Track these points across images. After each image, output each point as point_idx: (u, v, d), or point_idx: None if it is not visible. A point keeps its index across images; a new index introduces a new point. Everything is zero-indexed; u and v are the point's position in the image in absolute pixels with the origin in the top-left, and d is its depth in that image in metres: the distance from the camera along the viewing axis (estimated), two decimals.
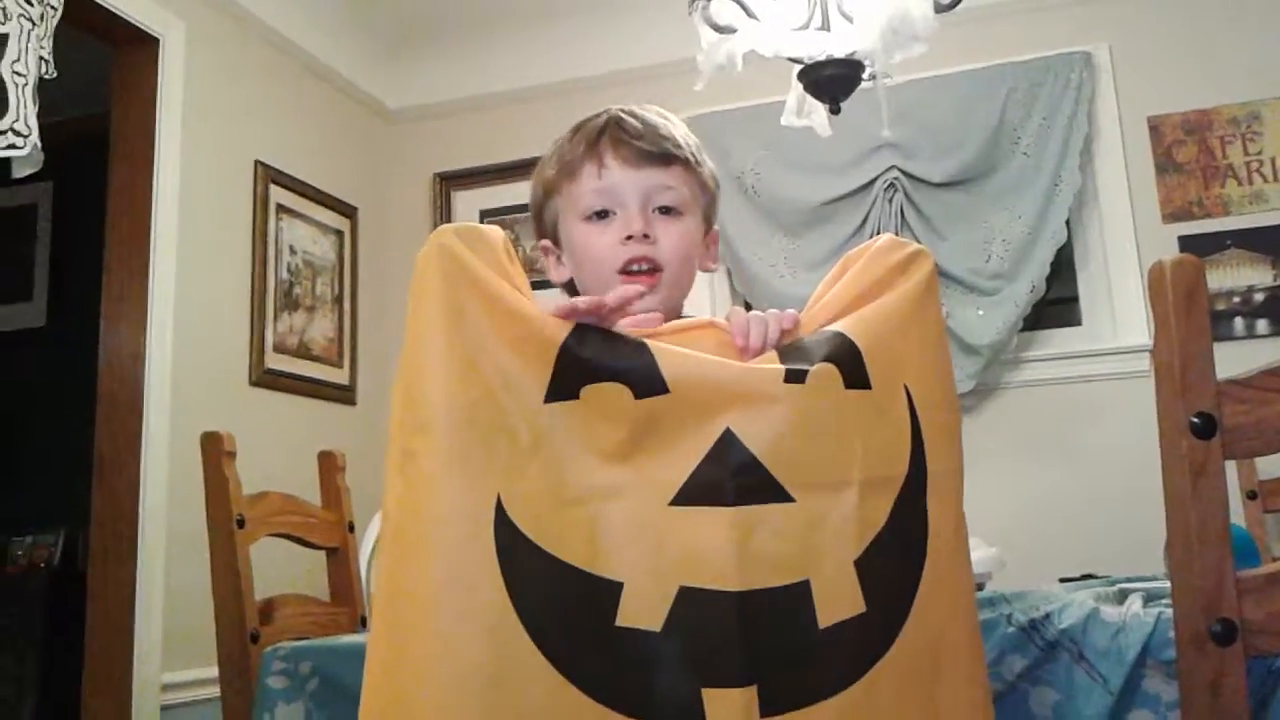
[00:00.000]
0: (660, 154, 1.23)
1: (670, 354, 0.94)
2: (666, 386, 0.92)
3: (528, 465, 0.90)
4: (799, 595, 0.90)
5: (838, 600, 0.91)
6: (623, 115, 1.26)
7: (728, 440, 0.92)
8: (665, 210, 1.24)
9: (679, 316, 1.24)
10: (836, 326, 1.00)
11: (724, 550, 0.89)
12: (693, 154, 1.27)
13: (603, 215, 1.24)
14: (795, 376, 0.94)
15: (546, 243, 1.33)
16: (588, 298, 0.96)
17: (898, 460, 0.97)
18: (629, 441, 0.91)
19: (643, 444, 0.91)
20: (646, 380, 0.92)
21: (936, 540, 0.97)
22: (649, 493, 0.91)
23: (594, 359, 0.92)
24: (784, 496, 0.92)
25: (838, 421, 0.95)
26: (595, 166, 1.24)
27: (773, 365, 0.95)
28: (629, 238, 1.21)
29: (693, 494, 0.90)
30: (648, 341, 0.94)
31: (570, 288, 1.31)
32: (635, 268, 1.22)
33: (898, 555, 0.95)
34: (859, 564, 0.92)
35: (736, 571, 0.89)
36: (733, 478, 0.91)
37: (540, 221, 1.33)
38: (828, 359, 0.96)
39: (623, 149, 1.23)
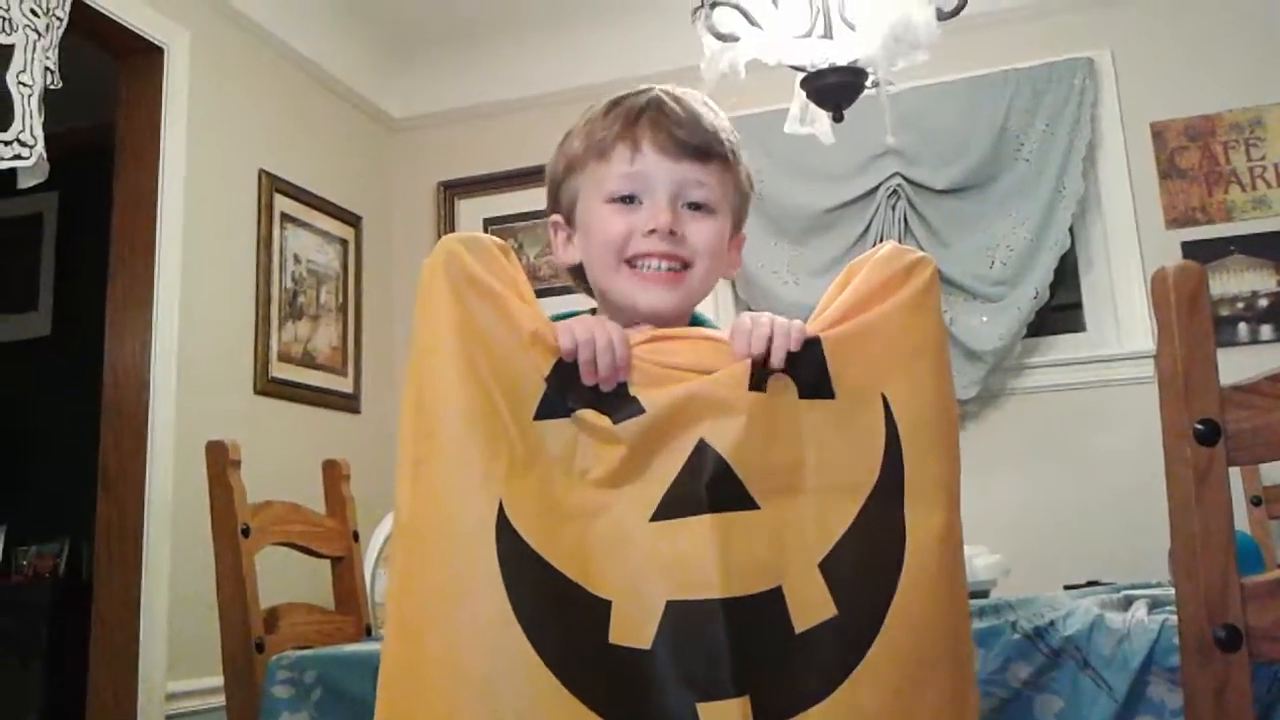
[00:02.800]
0: (699, 147, 1.15)
1: (649, 373, 0.96)
2: (643, 407, 0.94)
3: (525, 475, 0.91)
4: (774, 601, 0.91)
5: (809, 604, 0.92)
6: (665, 98, 1.17)
7: (702, 451, 0.93)
8: (695, 206, 1.16)
9: (687, 320, 1.21)
10: (823, 338, 1.00)
11: (707, 558, 0.90)
12: (732, 151, 1.19)
13: (628, 200, 1.15)
14: (757, 384, 0.96)
15: (558, 218, 1.24)
16: (581, 348, 0.95)
17: (863, 468, 0.97)
18: (611, 464, 0.93)
19: (625, 466, 0.93)
20: (625, 405, 0.94)
21: (916, 546, 0.97)
22: (631, 511, 0.92)
23: (577, 384, 0.95)
24: (751, 503, 0.93)
25: (791, 429, 0.96)
26: (629, 149, 1.15)
27: (740, 368, 0.97)
28: (652, 231, 1.13)
29: (672, 508, 0.92)
30: (630, 354, 0.97)
31: (578, 272, 1.25)
32: (653, 265, 1.14)
33: (866, 559, 0.95)
34: (824, 567, 0.94)
35: (720, 578, 0.90)
36: (708, 487, 0.92)
37: (556, 197, 1.24)
38: (791, 373, 0.97)
39: (660, 135, 1.15)
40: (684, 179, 1.15)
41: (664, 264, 1.14)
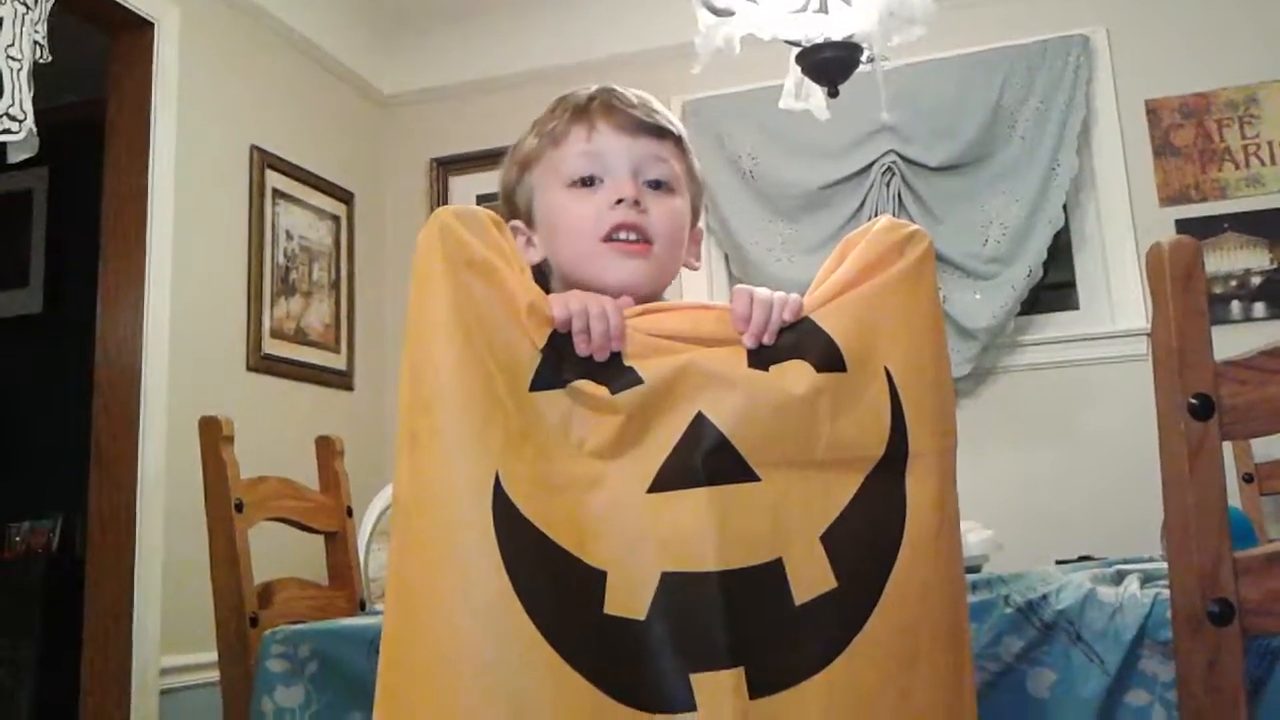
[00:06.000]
0: (654, 125, 1.16)
1: (643, 343, 0.96)
2: (641, 377, 0.94)
3: (521, 447, 0.91)
4: (774, 573, 0.92)
5: (810, 576, 0.93)
6: (613, 87, 1.19)
7: (700, 423, 0.93)
8: (656, 185, 1.15)
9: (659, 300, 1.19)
10: (816, 315, 1.01)
11: (703, 531, 0.90)
12: (683, 135, 1.21)
13: (589, 183, 1.14)
14: (758, 364, 0.96)
15: (518, 223, 1.23)
16: (574, 318, 0.95)
17: (870, 442, 0.98)
18: (608, 434, 0.93)
19: (621, 436, 0.93)
20: (621, 375, 0.94)
21: (915, 520, 0.97)
22: (627, 482, 0.92)
23: (572, 356, 0.95)
24: (751, 475, 0.93)
25: (804, 405, 0.96)
26: (585, 130, 1.15)
27: (737, 349, 0.97)
28: (619, 201, 1.12)
29: (669, 479, 0.92)
30: (625, 324, 0.97)
31: (539, 271, 1.22)
32: (623, 235, 1.12)
33: (867, 532, 0.96)
34: (825, 539, 0.94)
35: (716, 551, 0.90)
36: (705, 459, 0.92)
37: (512, 201, 1.24)
38: (799, 356, 0.97)
39: (615, 115, 1.15)
40: (643, 154, 1.15)
41: (633, 234, 1.13)
